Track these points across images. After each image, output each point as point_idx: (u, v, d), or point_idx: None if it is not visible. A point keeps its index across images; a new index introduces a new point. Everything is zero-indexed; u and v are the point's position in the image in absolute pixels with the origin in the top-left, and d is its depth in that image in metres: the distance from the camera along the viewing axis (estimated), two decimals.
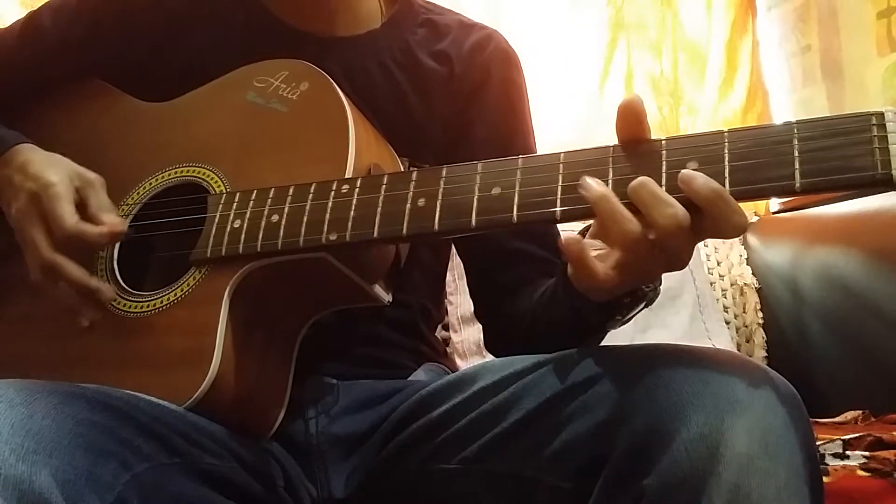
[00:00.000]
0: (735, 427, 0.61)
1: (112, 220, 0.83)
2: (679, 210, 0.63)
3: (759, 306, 1.82)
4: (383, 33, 0.99)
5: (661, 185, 0.65)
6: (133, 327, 0.82)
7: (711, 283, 1.85)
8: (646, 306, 0.76)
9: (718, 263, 1.88)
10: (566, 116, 1.98)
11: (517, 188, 0.70)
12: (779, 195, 0.66)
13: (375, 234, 0.75)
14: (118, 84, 0.99)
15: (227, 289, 0.78)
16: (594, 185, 0.66)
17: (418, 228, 0.73)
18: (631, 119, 0.68)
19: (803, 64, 2.01)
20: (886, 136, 0.61)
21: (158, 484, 0.67)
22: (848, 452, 1.12)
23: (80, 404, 0.65)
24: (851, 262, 1.58)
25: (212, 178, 0.86)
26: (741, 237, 1.91)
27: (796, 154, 0.63)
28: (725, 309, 1.84)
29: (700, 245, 1.87)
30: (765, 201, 2.04)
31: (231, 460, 0.77)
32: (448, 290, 1.56)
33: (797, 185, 0.62)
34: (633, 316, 0.78)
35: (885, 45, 1.77)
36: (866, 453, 1.10)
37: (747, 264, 1.87)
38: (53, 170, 0.85)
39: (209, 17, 0.98)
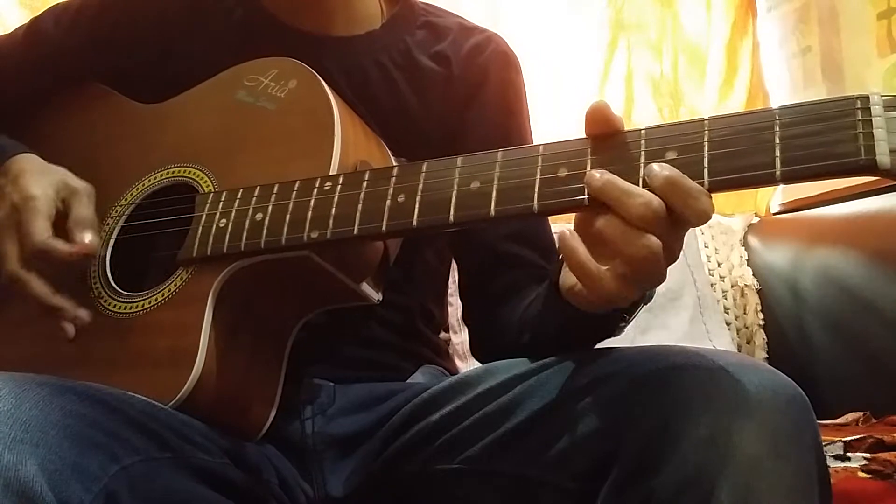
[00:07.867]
0: (744, 428, 0.61)
1: (83, 240, 0.82)
2: (651, 198, 0.61)
3: (759, 307, 1.81)
4: (382, 34, 0.99)
5: (638, 177, 0.63)
6: (121, 328, 0.82)
7: (712, 285, 1.85)
8: (643, 306, 0.75)
9: (719, 265, 1.88)
10: (566, 118, 1.97)
11: (495, 182, 0.69)
12: (760, 184, 0.62)
13: (356, 232, 0.74)
14: (120, 88, 0.99)
15: (212, 289, 0.78)
16: (596, 175, 0.64)
17: (397, 225, 0.72)
18: (600, 121, 0.66)
19: (804, 65, 2.01)
20: (871, 121, 0.58)
21: (149, 477, 0.67)
22: (849, 454, 1.12)
23: (70, 396, 0.65)
24: (852, 263, 1.58)
25: (201, 178, 0.86)
26: (742, 238, 1.91)
27: (777, 141, 0.60)
28: (726, 310, 1.84)
29: (701, 246, 1.87)
30: (765, 202, 2.04)
31: (223, 457, 0.77)
32: (448, 290, 1.55)
33: (777, 173, 0.60)
34: (631, 321, 0.76)
35: (886, 45, 1.77)
36: (867, 455, 1.10)
37: (748, 265, 1.87)
38: (40, 182, 0.84)
39: (207, 18, 0.98)
